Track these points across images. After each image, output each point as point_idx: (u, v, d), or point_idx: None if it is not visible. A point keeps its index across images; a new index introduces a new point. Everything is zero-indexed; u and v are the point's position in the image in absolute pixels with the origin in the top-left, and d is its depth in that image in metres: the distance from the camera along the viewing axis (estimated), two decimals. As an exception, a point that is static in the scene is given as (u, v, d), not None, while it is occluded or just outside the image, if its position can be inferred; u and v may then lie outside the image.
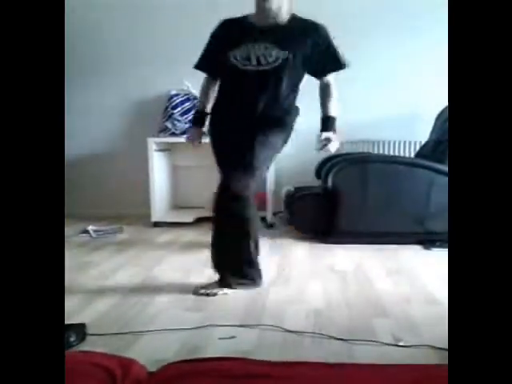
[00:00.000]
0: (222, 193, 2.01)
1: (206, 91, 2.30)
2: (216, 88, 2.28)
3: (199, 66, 2.28)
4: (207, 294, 2.02)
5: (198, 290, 2.06)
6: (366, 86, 3.68)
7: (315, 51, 2.12)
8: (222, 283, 2.07)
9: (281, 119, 2.17)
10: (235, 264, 2.09)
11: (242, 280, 2.09)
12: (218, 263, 2.10)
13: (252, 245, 2.07)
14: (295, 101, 2.23)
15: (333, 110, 2.20)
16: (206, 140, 2.34)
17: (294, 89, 2.18)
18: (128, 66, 3.88)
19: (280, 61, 2.06)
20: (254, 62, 2.06)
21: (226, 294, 2.04)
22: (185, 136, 2.61)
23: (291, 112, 2.22)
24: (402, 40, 3.60)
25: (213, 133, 2.28)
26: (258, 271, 2.13)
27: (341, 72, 2.24)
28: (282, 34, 2.07)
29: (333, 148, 2.09)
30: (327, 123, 2.16)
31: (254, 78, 2.08)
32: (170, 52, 3.76)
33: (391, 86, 3.68)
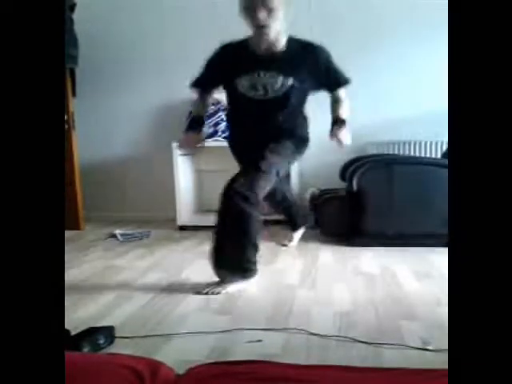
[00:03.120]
0: (227, 193, 2.04)
1: (202, 102, 2.41)
2: (210, 99, 2.45)
3: (197, 85, 2.37)
4: (212, 293, 2.07)
5: (202, 290, 2.09)
6: (390, 86, 3.64)
7: (317, 71, 2.18)
8: (222, 282, 2.12)
9: (291, 131, 2.27)
10: (235, 264, 2.12)
11: (237, 277, 2.12)
12: (219, 263, 2.13)
13: (251, 245, 2.09)
14: (303, 114, 2.34)
15: (343, 114, 2.23)
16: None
17: (301, 106, 2.29)
18: (153, 72, 3.93)
19: (286, 88, 2.14)
20: (261, 91, 2.16)
21: (227, 292, 2.09)
22: (178, 142, 2.53)
23: (302, 125, 2.33)
24: (429, 37, 3.54)
25: (235, 147, 2.45)
26: (254, 271, 2.16)
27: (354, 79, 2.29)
28: (283, 60, 2.14)
29: (345, 138, 2.10)
30: (337, 123, 2.19)
31: (263, 105, 2.18)
32: (195, 57, 3.80)
33: (416, 86, 3.63)
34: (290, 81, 2.12)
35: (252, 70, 2.14)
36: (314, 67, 2.17)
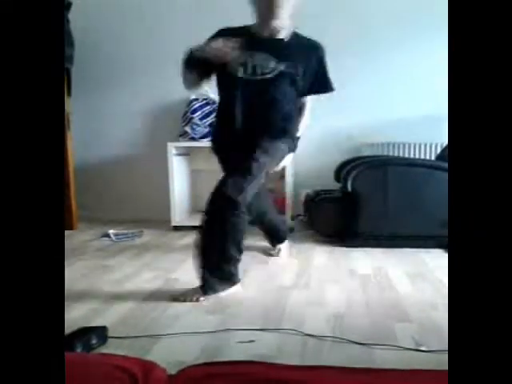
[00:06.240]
0: (216, 196, 1.97)
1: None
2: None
3: (191, 63, 2.11)
4: (190, 300, 1.99)
5: (179, 298, 2.01)
6: (385, 87, 3.65)
7: (309, 69, 2.14)
8: (204, 288, 2.03)
9: (281, 127, 2.18)
10: (217, 266, 2.03)
11: (222, 283, 2.04)
12: (204, 265, 2.03)
13: (234, 248, 2.00)
14: (295, 112, 2.24)
15: (299, 131, 2.32)
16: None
17: (293, 101, 2.20)
18: (148, 72, 3.92)
19: (276, 72, 2.08)
20: (250, 70, 2.08)
21: (203, 300, 2.00)
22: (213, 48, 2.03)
23: (291, 121, 2.23)
24: (423, 38, 3.55)
25: (218, 140, 2.37)
26: (235, 274, 2.08)
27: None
28: (281, 47, 2.11)
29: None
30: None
31: (249, 87, 2.10)
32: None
33: (411, 87, 3.64)
34: (282, 66, 2.08)
35: (246, 49, 2.05)
36: (310, 62, 2.14)
